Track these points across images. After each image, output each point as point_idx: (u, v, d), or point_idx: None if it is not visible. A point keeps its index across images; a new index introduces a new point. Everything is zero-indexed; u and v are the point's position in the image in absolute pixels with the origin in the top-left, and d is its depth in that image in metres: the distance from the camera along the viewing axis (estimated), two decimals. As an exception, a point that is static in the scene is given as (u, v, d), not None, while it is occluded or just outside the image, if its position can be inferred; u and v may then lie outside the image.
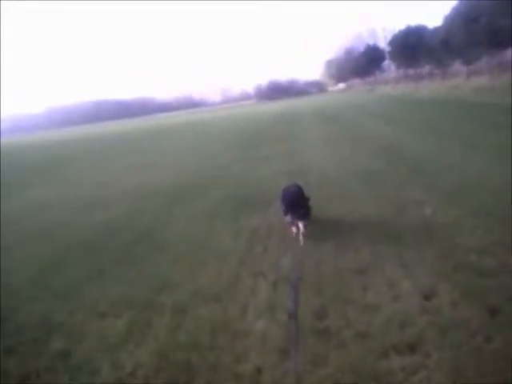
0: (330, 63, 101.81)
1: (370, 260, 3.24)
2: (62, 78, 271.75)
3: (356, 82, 79.96)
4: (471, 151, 6.83)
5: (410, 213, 4.24)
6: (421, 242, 3.46)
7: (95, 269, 3.88)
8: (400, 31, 40.52)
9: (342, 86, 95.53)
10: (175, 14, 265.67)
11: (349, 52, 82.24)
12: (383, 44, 60.23)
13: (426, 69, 41.36)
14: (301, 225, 3.86)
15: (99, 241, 4.78)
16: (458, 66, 32.34)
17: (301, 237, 3.80)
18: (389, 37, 49.46)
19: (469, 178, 5.21)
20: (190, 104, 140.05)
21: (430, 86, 31.20)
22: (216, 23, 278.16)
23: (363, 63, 60.61)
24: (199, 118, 48.37)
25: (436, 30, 31.96)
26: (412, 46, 36.66)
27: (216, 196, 6.22)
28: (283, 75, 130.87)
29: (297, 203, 3.94)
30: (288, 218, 3.95)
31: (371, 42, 63.20)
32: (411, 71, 45.58)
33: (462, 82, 26.62)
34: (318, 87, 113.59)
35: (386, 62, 58.73)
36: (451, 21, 26.16)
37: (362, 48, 64.21)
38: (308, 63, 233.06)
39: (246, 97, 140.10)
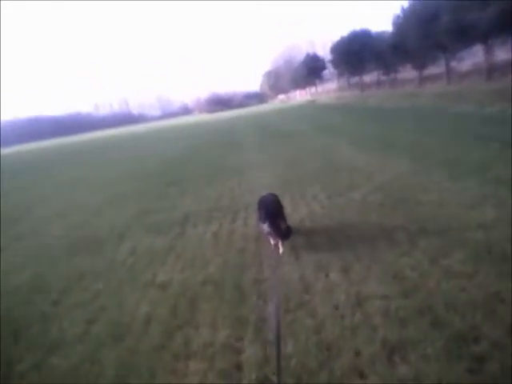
0: (269, 74, 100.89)
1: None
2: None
3: (297, 92, 78.96)
4: None
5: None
6: None
7: None
8: (342, 37, 38.37)
9: (282, 97, 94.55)
10: (112, 25, 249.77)
11: (288, 62, 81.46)
12: (323, 53, 59.14)
13: (370, 76, 39.55)
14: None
15: None
16: (408, 71, 30.14)
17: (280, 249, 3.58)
18: (328, 45, 47.99)
19: None
20: (128, 119, 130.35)
21: (379, 93, 28.98)
22: (153, 35, 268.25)
23: (303, 73, 58.81)
24: (126, 138, 42.29)
25: (383, 33, 30.12)
26: (356, 52, 34.60)
27: None
28: (222, 88, 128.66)
29: (275, 212, 3.66)
30: (265, 227, 3.55)
31: (310, 51, 61.84)
32: (354, 79, 43.91)
33: (416, 89, 24.53)
34: (258, 99, 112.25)
35: (327, 71, 57.52)
36: (402, 22, 24.03)
37: (300, 58, 62.54)
38: (247, 75, 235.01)
39: (185, 111, 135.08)
